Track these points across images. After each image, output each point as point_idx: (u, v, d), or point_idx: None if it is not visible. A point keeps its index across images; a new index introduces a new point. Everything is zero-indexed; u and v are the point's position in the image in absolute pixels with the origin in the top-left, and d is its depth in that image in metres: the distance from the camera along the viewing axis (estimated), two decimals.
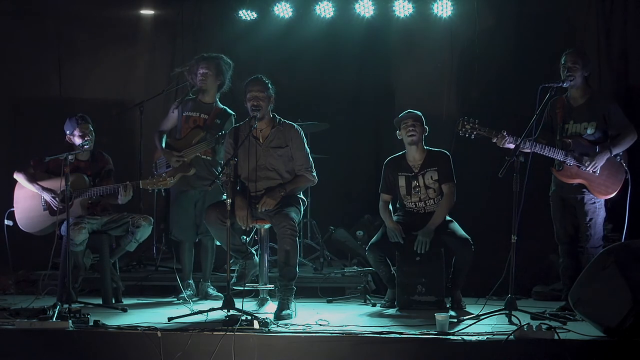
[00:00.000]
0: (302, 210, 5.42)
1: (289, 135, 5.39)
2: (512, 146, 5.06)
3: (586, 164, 5.19)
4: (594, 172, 5.23)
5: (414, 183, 5.60)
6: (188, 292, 5.81)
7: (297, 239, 5.18)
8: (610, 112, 5.29)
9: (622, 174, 5.29)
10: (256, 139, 5.38)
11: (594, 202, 5.30)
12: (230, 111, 5.93)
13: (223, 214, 5.10)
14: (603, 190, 5.27)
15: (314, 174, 5.43)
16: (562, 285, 5.50)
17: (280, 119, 5.47)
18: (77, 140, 5.75)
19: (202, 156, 5.82)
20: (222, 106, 5.95)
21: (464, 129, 5.19)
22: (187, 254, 5.93)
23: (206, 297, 5.88)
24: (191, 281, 5.94)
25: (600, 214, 5.34)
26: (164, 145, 5.89)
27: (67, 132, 5.81)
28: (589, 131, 5.30)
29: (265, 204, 5.18)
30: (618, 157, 5.30)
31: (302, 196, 5.50)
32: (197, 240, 5.95)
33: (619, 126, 5.28)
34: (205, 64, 5.86)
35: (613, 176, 5.28)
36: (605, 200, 5.36)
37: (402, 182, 5.64)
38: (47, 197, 5.68)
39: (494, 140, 5.17)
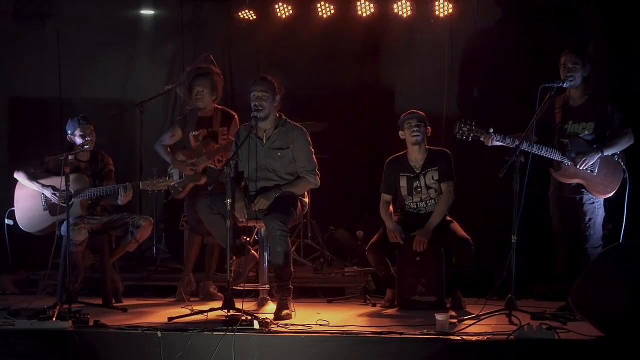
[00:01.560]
0: (296, 211, 5.32)
1: (291, 136, 5.37)
2: (498, 144, 5.08)
3: (576, 161, 5.19)
4: (591, 171, 5.23)
5: (416, 183, 5.60)
6: (187, 287, 5.82)
7: (287, 238, 5.14)
8: (608, 112, 5.29)
9: (620, 172, 5.30)
10: (260, 139, 5.37)
11: (593, 202, 5.30)
12: (232, 112, 5.93)
13: (213, 201, 5.09)
14: (601, 189, 5.27)
15: (315, 177, 5.39)
16: (562, 285, 5.49)
17: (285, 120, 5.45)
18: (78, 140, 5.75)
19: (217, 167, 5.82)
20: (220, 108, 5.95)
21: (461, 132, 5.19)
22: (195, 248, 5.93)
23: (207, 297, 5.87)
24: (192, 276, 5.93)
25: (599, 213, 5.34)
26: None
27: (69, 132, 5.82)
28: (587, 131, 5.31)
29: (258, 203, 5.18)
30: (616, 156, 5.31)
31: (301, 198, 5.47)
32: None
33: (616, 127, 5.28)
34: (200, 82, 5.86)
35: (611, 175, 5.28)
36: (605, 200, 5.36)
37: (403, 182, 5.64)
38: (48, 193, 5.67)
39: (482, 139, 5.17)
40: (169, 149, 5.98)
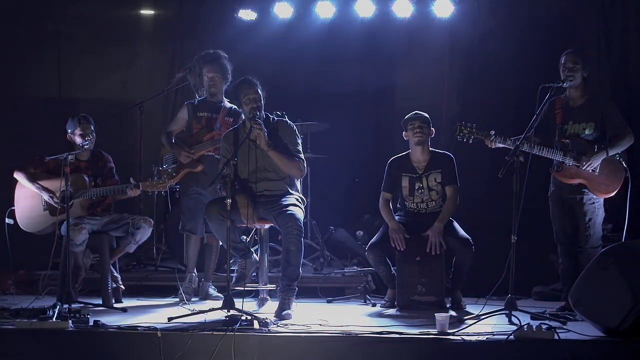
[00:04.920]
0: (303, 210, 5.41)
1: (283, 132, 5.38)
2: (501, 146, 5.11)
3: (583, 163, 5.20)
4: (593, 171, 5.23)
5: (417, 184, 5.61)
6: (188, 285, 5.82)
7: (302, 239, 5.17)
8: (609, 112, 5.29)
9: (621, 172, 5.29)
10: (254, 141, 5.35)
11: (593, 202, 5.30)
12: (239, 109, 5.94)
13: (224, 208, 5.08)
14: (603, 189, 5.27)
15: (304, 165, 5.37)
16: (562, 286, 5.50)
17: (274, 118, 5.47)
18: (78, 140, 5.74)
19: (216, 155, 5.81)
20: (229, 105, 5.96)
21: (461, 134, 5.23)
22: (193, 247, 5.93)
23: (207, 297, 5.88)
24: (194, 274, 5.93)
25: (599, 214, 5.34)
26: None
27: (69, 131, 5.81)
28: (587, 131, 5.31)
29: (258, 135, 5.15)
30: (617, 155, 5.31)
31: (301, 195, 5.49)
32: (203, 236, 5.94)
33: (617, 127, 5.28)
34: (211, 67, 5.87)
35: (613, 174, 5.28)
36: (604, 200, 5.36)
37: (405, 182, 5.64)
38: (46, 196, 5.68)
39: (486, 142, 5.19)
40: (172, 139, 5.96)
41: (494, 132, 5.17)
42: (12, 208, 5.81)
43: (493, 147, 5.20)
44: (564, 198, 5.39)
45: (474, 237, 5.44)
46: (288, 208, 5.19)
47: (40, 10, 7.45)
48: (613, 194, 5.29)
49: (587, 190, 5.28)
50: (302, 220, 5.28)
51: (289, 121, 5.49)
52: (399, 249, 5.43)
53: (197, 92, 6.08)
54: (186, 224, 5.91)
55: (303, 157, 5.39)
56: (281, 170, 5.34)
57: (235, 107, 5.90)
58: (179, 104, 7.30)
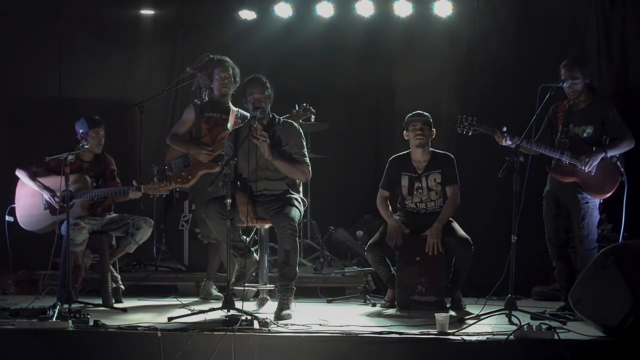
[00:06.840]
0: (302, 210, 5.40)
1: (288, 133, 5.38)
2: (510, 143, 5.13)
3: (581, 162, 5.20)
4: (589, 171, 5.23)
5: (417, 184, 5.60)
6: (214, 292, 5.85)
7: (297, 239, 5.17)
8: (609, 116, 5.30)
9: (618, 174, 5.29)
10: (255, 137, 5.35)
11: (587, 202, 5.29)
12: (246, 113, 5.93)
13: (223, 207, 5.08)
14: (598, 189, 5.27)
15: (310, 169, 5.37)
16: (560, 287, 5.50)
17: (280, 119, 5.46)
18: (89, 141, 5.73)
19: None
20: (236, 108, 5.95)
21: (461, 126, 5.28)
22: (212, 254, 5.94)
23: (208, 297, 5.88)
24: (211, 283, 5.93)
25: (594, 215, 5.33)
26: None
27: (81, 131, 5.78)
28: (586, 133, 5.31)
29: (261, 146, 5.14)
30: (614, 158, 5.31)
31: (302, 196, 5.49)
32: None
33: (617, 131, 5.29)
34: (224, 68, 5.87)
35: (609, 176, 5.28)
36: (600, 202, 5.36)
37: (404, 182, 5.64)
38: (47, 195, 5.68)
39: (497, 139, 5.21)
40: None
41: (505, 131, 5.20)
42: (13, 206, 5.81)
43: (505, 144, 5.21)
44: (559, 197, 5.39)
45: (474, 237, 5.44)
46: (284, 208, 5.19)
47: (41, 10, 7.44)
48: (607, 195, 5.29)
49: (581, 190, 5.28)
50: (298, 220, 5.27)
51: (295, 124, 5.47)
52: (392, 246, 5.42)
53: (202, 93, 6.06)
54: (211, 233, 5.89)
55: (308, 161, 5.38)
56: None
57: (242, 111, 5.89)
58: (179, 104, 7.33)
